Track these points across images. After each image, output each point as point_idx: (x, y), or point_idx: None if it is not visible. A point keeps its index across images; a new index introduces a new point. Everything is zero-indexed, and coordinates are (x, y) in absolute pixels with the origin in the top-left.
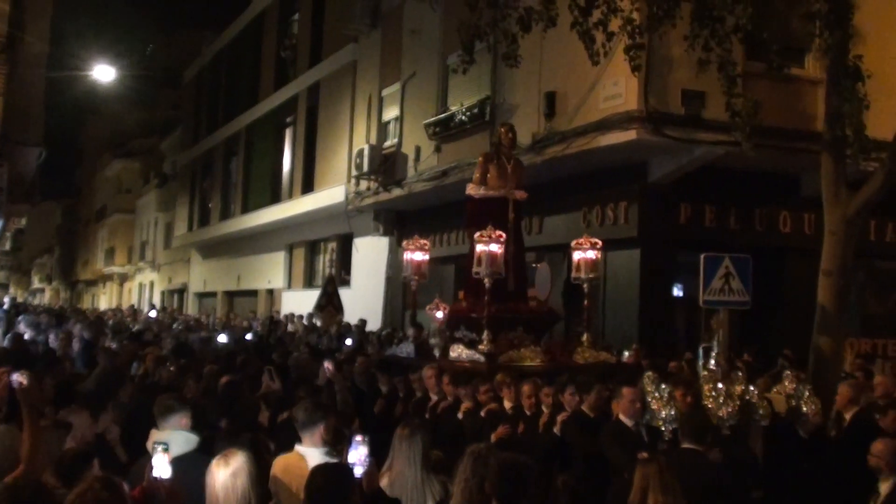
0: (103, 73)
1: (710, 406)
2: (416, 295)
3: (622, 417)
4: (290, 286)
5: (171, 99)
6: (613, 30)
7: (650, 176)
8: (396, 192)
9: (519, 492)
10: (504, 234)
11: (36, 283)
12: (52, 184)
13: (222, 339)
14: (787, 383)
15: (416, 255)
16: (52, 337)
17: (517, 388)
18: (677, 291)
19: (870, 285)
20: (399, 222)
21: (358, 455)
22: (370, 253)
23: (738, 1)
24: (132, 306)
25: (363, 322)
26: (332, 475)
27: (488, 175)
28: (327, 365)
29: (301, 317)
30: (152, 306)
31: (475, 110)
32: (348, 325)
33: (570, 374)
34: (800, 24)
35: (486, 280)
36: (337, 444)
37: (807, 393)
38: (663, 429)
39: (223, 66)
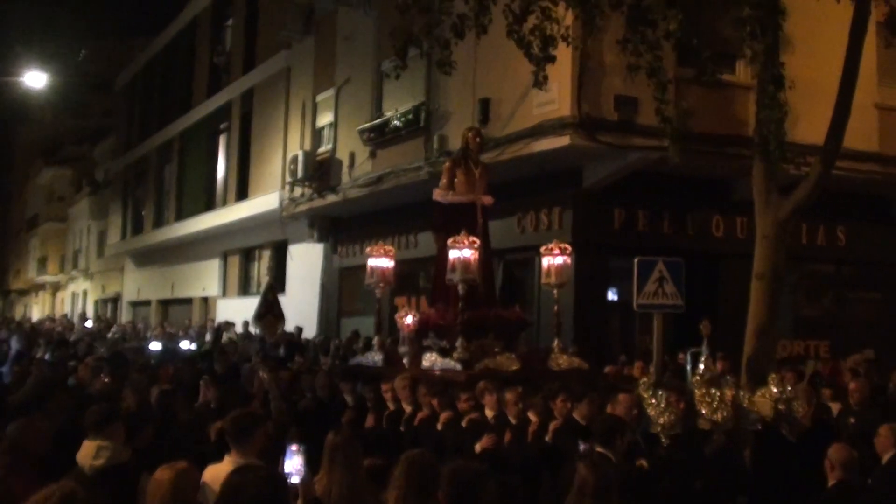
0: (35, 79)
1: (704, 411)
2: (380, 303)
3: None
4: (224, 294)
5: (104, 105)
6: (553, 34)
7: (584, 181)
8: (331, 198)
9: (472, 500)
10: (478, 240)
11: None
12: None
13: (155, 346)
14: (773, 387)
15: (381, 261)
16: None
17: (499, 396)
18: (612, 296)
19: (802, 288)
20: (334, 229)
21: (293, 464)
22: (305, 260)
23: (669, 6)
24: (65, 316)
25: (299, 329)
26: (266, 484)
27: (456, 180)
28: (262, 373)
29: (233, 324)
30: (84, 316)
31: (410, 116)
32: (292, 334)
33: (561, 381)
34: (730, 31)
35: (459, 286)
36: (270, 453)
37: (796, 395)
38: (661, 437)
39: (156, 72)
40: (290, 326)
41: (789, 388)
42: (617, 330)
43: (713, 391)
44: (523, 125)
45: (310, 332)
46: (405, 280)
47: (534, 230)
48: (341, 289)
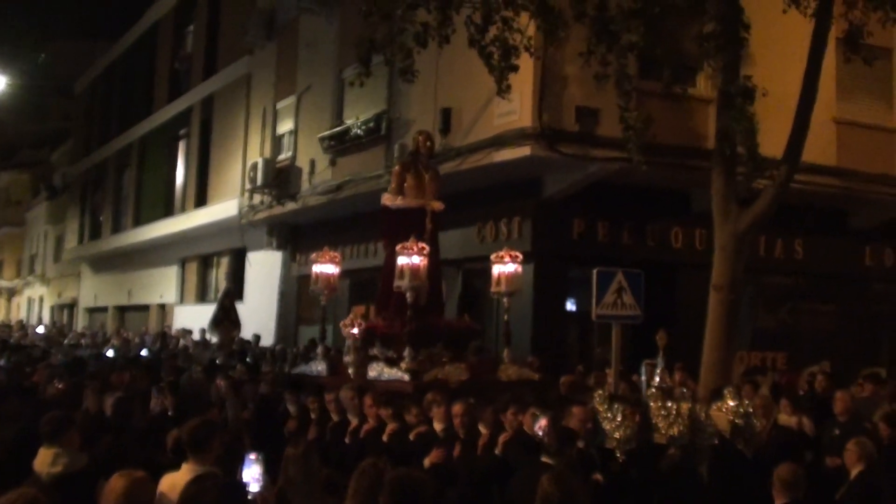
0: None
1: (660, 425)
2: (325, 311)
3: None
4: (182, 301)
5: (63, 109)
6: (515, 44)
7: (544, 192)
8: (290, 205)
9: None
10: (427, 246)
11: None
12: None
13: (110, 353)
14: (729, 400)
15: (326, 267)
16: None
17: (448, 407)
18: (570, 306)
19: (759, 300)
20: (293, 236)
21: (252, 473)
22: (263, 267)
23: (633, 17)
24: (20, 321)
25: (257, 337)
26: (226, 492)
27: (405, 185)
28: (219, 382)
29: (190, 332)
30: (40, 321)
31: (371, 124)
32: (248, 342)
33: (512, 393)
34: (692, 44)
35: (408, 294)
36: (228, 462)
37: (753, 409)
38: (617, 452)
39: (116, 76)
40: (247, 334)
41: (746, 402)
42: (575, 340)
43: (669, 404)
44: (484, 135)
45: (268, 340)
46: (364, 288)
47: (493, 240)
48: (300, 297)
